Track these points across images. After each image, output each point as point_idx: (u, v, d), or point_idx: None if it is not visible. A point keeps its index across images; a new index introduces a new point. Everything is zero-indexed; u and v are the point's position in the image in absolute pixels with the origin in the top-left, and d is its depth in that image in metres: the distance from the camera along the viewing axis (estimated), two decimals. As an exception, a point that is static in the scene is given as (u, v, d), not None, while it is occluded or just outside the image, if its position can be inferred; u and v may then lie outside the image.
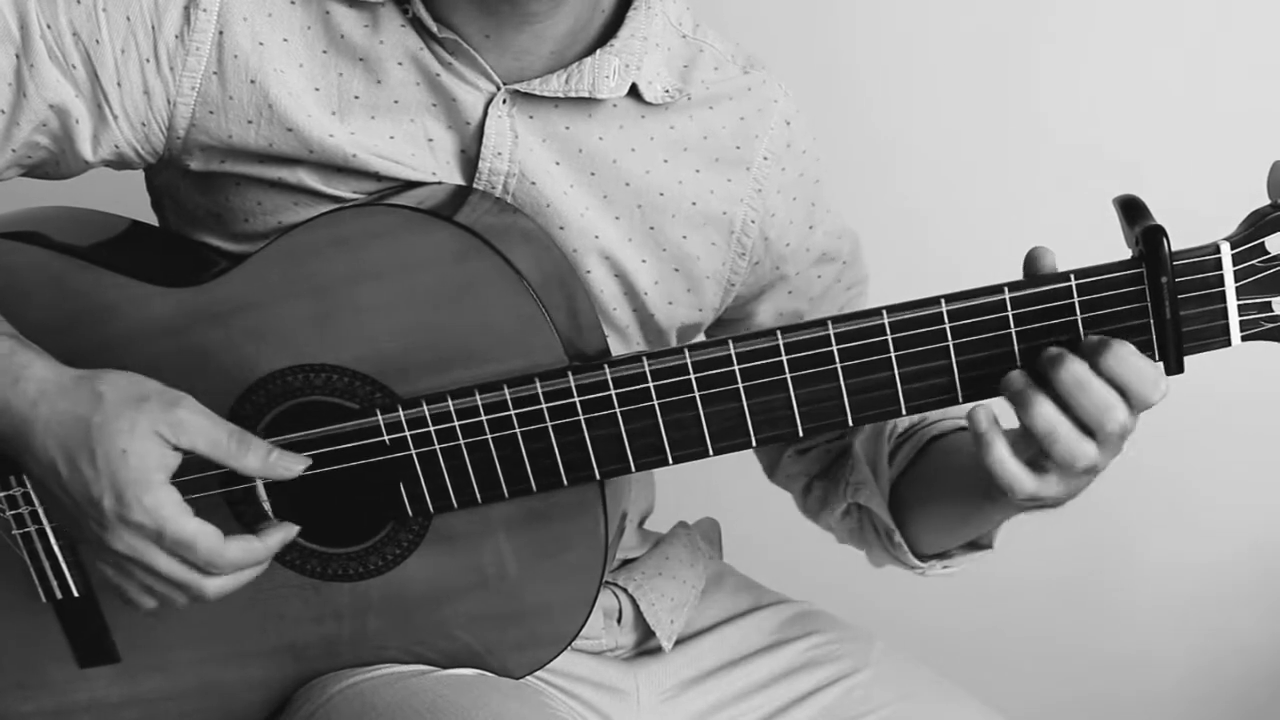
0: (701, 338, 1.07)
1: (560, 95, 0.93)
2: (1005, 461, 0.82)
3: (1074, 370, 0.81)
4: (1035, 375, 0.83)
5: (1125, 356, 0.80)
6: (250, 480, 0.91)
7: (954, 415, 1.03)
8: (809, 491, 1.11)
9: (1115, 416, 0.80)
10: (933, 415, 1.04)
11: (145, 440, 0.84)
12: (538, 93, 0.93)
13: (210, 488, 0.92)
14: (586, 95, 0.93)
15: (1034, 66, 1.53)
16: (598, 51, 0.94)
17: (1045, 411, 0.81)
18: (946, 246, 1.52)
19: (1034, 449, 0.83)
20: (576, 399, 0.88)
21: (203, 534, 0.85)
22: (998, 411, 0.84)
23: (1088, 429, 0.81)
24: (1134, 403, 0.81)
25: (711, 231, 0.99)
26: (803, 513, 1.13)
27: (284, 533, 0.90)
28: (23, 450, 0.86)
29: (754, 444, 0.89)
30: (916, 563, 1.02)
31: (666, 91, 0.96)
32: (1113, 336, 0.82)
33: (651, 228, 0.98)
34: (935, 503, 0.99)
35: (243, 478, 0.91)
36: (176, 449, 0.85)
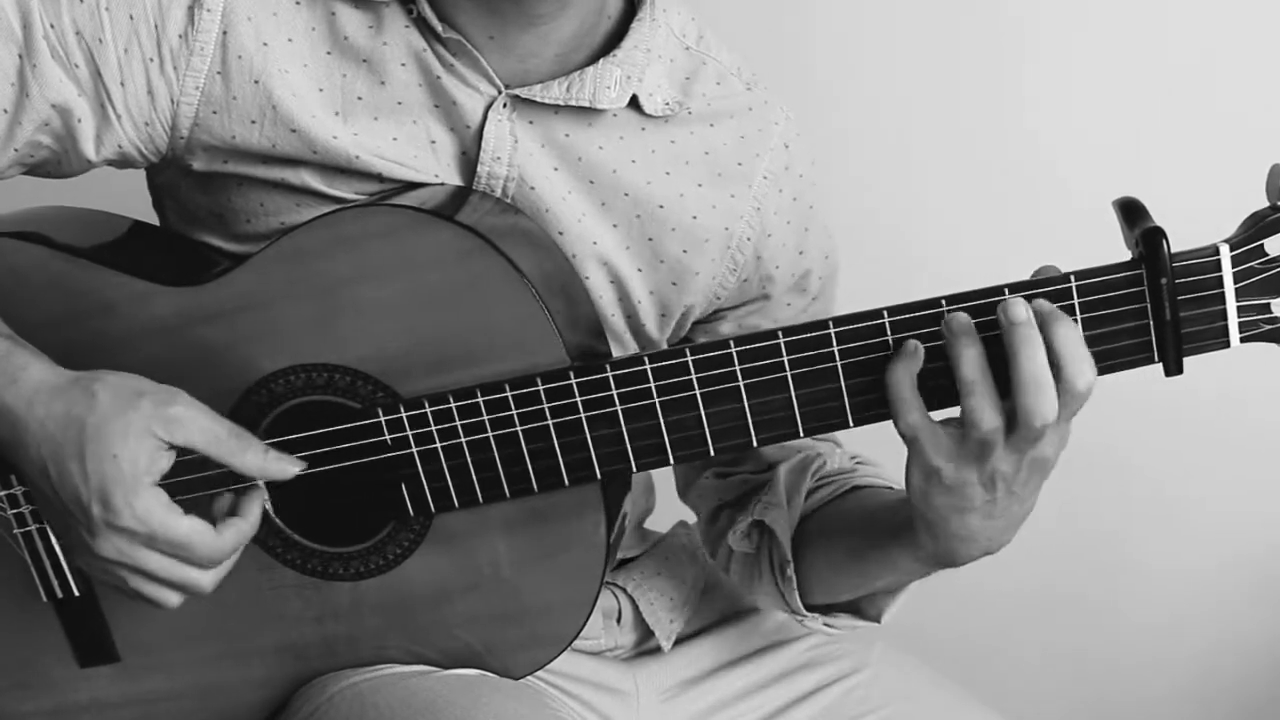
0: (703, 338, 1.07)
1: (560, 103, 0.93)
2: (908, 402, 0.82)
3: (1072, 331, 0.80)
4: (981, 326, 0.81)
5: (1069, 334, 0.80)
6: (249, 481, 0.90)
7: (883, 475, 1.04)
8: (715, 518, 1.09)
9: (1087, 375, 0.79)
10: (863, 469, 1.04)
11: (138, 443, 0.83)
12: (538, 99, 0.93)
13: (209, 483, 0.92)
14: (587, 104, 0.93)
15: (1031, 68, 1.54)
16: (600, 61, 0.94)
17: (974, 360, 0.80)
18: (948, 248, 1.52)
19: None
20: (579, 399, 0.88)
21: (196, 532, 0.85)
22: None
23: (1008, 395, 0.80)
24: (1063, 382, 0.80)
25: (711, 247, 0.99)
26: (702, 541, 1.12)
27: (257, 499, 0.89)
28: (17, 452, 0.86)
29: (755, 444, 0.89)
30: (799, 606, 1.01)
31: (667, 104, 0.96)
32: (1112, 339, 0.82)
33: (650, 239, 0.98)
34: (839, 539, 0.98)
35: (244, 477, 0.91)
36: (171, 447, 0.85)
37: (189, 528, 0.85)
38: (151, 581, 0.87)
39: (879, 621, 1.00)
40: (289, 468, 0.89)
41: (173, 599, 0.88)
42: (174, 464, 0.86)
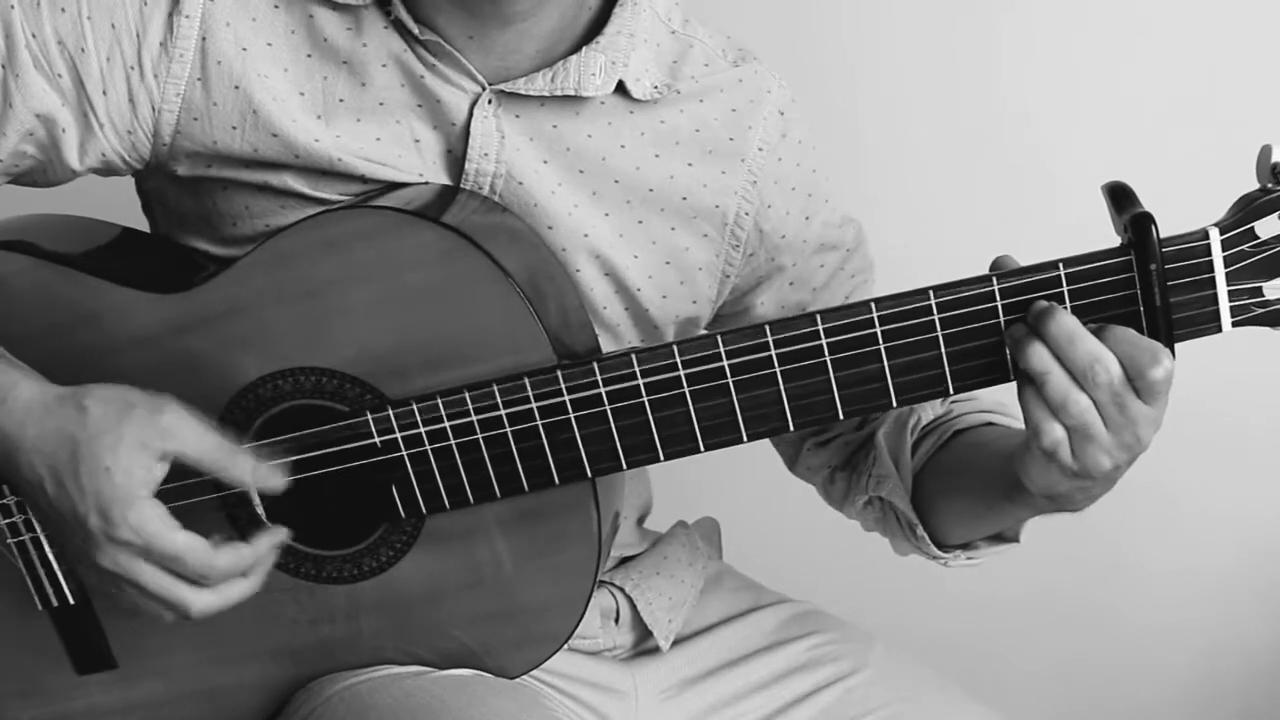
0: (699, 333, 1.07)
1: (545, 94, 0.93)
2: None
3: (1064, 323, 0.80)
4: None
5: (1122, 333, 0.80)
6: (236, 490, 0.90)
7: (981, 409, 1.02)
8: (832, 483, 1.09)
9: (1107, 366, 0.79)
10: (959, 409, 1.03)
11: (130, 456, 0.83)
12: (523, 92, 0.93)
13: (206, 491, 0.92)
14: (572, 93, 0.93)
15: (1020, 60, 1.53)
16: (583, 49, 0.93)
17: (1040, 352, 0.80)
18: (935, 238, 1.51)
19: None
20: (566, 398, 0.88)
21: (190, 546, 0.85)
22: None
23: (1078, 381, 0.80)
24: (1130, 371, 0.80)
25: (702, 224, 0.99)
26: (826, 502, 1.12)
27: (273, 537, 0.90)
28: (11, 470, 0.86)
29: (745, 439, 0.88)
30: (940, 554, 1.01)
31: (655, 88, 0.96)
32: (1103, 324, 0.81)
33: (640, 222, 0.97)
34: (957, 497, 0.98)
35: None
36: (164, 457, 0.85)
37: (183, 541, 0.85)
38: (146, 596, 0.87)
39: (1018, 541, 0.98)
40: (276, 482, 0.89)
41: (166, 615, 0.88)
42: (172, 480, 0.86)
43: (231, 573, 0.88)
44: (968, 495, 0.97)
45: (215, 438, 0.87)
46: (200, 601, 0.87)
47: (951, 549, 1.01)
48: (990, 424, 1.01)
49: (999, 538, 0.99)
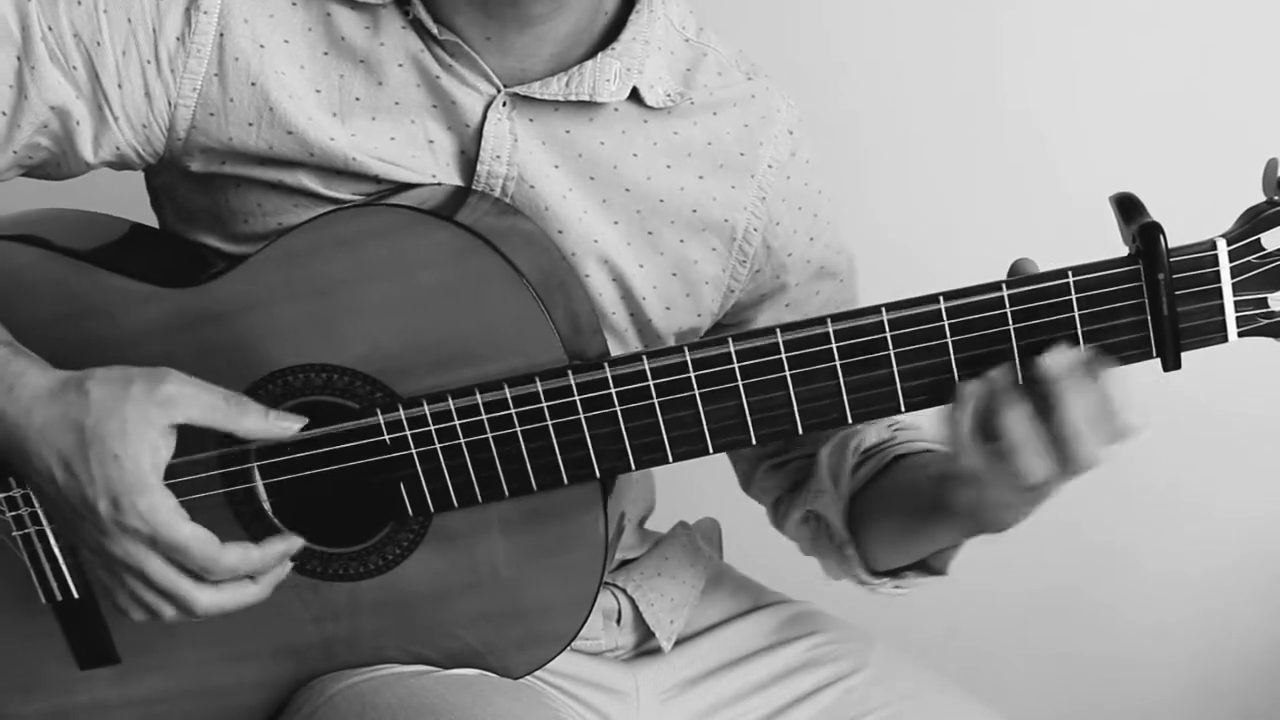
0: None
1: (560, 99, 0.93)
2: (962, 427, 0.83)
3: (1093, 397, 0.80)
4: (1026, 380, 0.82)
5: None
6: (248, 443, 0.90)
7: (922, 438, 1.04)
8: (778, 506, 1.12)
9: (1117, 415, 0.80)
10: (901, 435, 1.05)
11: (138, 440, 0.83)
12: (537, 96, 0.93)
13: (212, 488, 0.92)
14: (587, 99, 0.93)
15: (1027, 67, 1.54)
16: (599, 55, 0.94)
17: (1021, 418, 0.81)
18: (945, 245, 1.52)
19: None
20: (577, 398, 0.88)
21: (196, 538, 0.85)
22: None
23: (1052, 448, 0.81)
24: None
25: (711, 237, 0.99)
26: (773, 525, 1.14)
27: (285, 544, 0.89)
28: (20, 458, 0.86)
29: (754, 442, 0.89)
30: (867, 578, 1.03)
31: (668, 95, 0.97)
32: (1110, 334, 0.82)
33: (650, 232, 0.98)
34: (889, 517, 1.00)
35: (243, 479, 0.91)
36: (171, 427, 0.84)
37: (190, 532, 0.85)
38: (149, 588, 0.87)
39: (944, 573, 1.00)
40: (290, 425, 0.88)
41: (167, 610, 0.88)
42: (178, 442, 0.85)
43: (237, 571, 0.87)
44: (898, 515, 0.99)
45: (219, 394, 0.86)
46: (204, 599, 0.87)
47: (880, 576, 1.02)
48: (929, 450, 1.03)
49: (927, 568, 1.01)
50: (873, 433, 1.05)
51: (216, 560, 0.86)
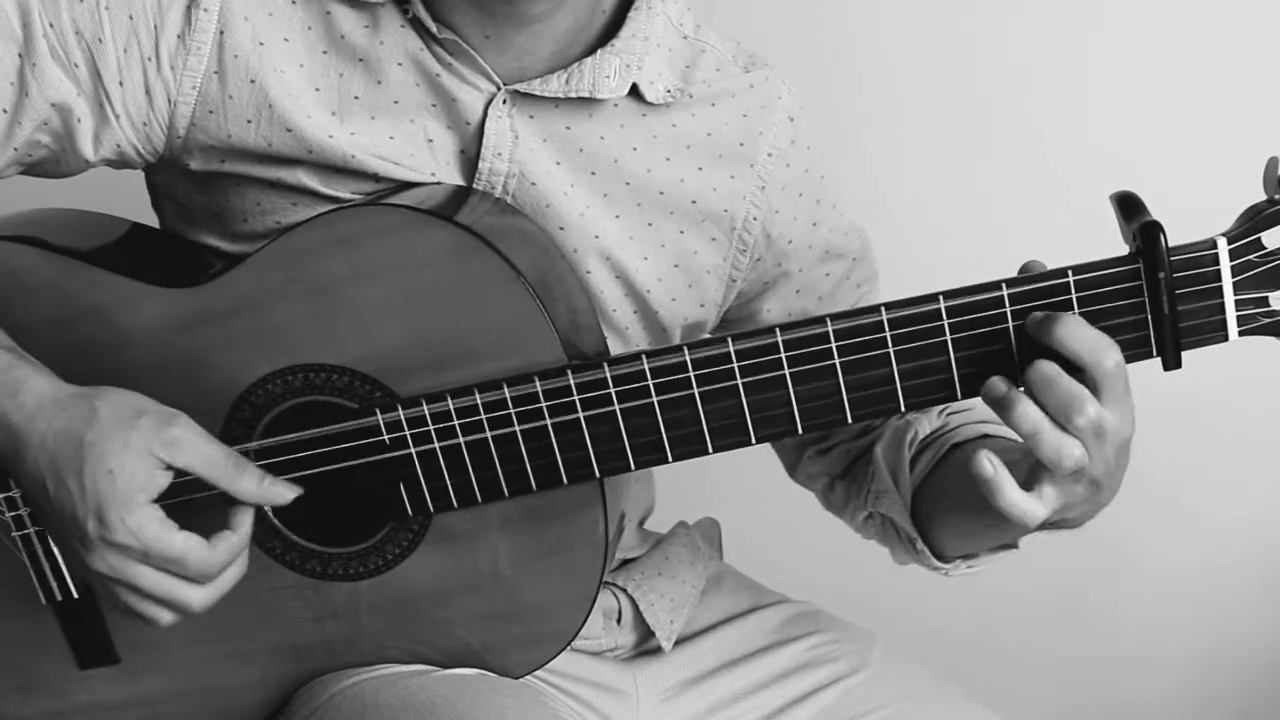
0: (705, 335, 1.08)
1: (560, 95, 0.93)
2: (1017, 503, 0.82)
3: (1041, 369, 0.81)
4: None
5: (1073, 327, 0.80)
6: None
7: (976, 421, 1.03)
8: (831, 490, 1.11)
9: (1083, 409, 0.80)
10: (955, 420, 1.04)
11: (136, 460, 0.83)
12: (538, 93, 0.93)
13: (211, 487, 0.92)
14: (587, 95, 0.93)
15: (1028, 65, 1.54)
16: (598, 51, 0.94)
17: (1027, 410, 0.81)
18: (945, 244, 1.52)
19: (1027, 465, 0.84)
20: (576, 397, 0.88)
21: (189, 547, 0.85)
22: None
23: (1062, 426, 0.81)
24: (1093, 376, 0.81)
25: (711, 227, 0.99)
26: (826, 509, 1.13)
27: (247, 514, 0.89)
28: (16, 464, 0.86)
29: (753, 442, 0.89)
30: (940, 565, 1.02)
31: (668, 91, 0.97)
32: (1110, 334, 0.82)
33: (650, 224, 0.98)
34: (956, 512, 0.99)
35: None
36: (170, 468, 0.85)
37: (183, 543, 0.85)
38: (144, 599, 0.87)
39: (1017, 547, 0.99)
40: (285, 494, 0.89)
41: (164, 616, 0.88)
42: (170, 486, 0.86)
43: (228, 564, 0.88)
44: (966, 511, 0.97)
45: (222, 450, 0.87)
46: (199, 597, 0.87)
47: (952, 559, 1.02)
48: (986, 435, 1.01)
49: (1000, 545, 1.00)
50: (926, 422, 1.03)
51: (210, 563, 0.86)
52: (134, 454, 0.83)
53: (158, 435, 0.84)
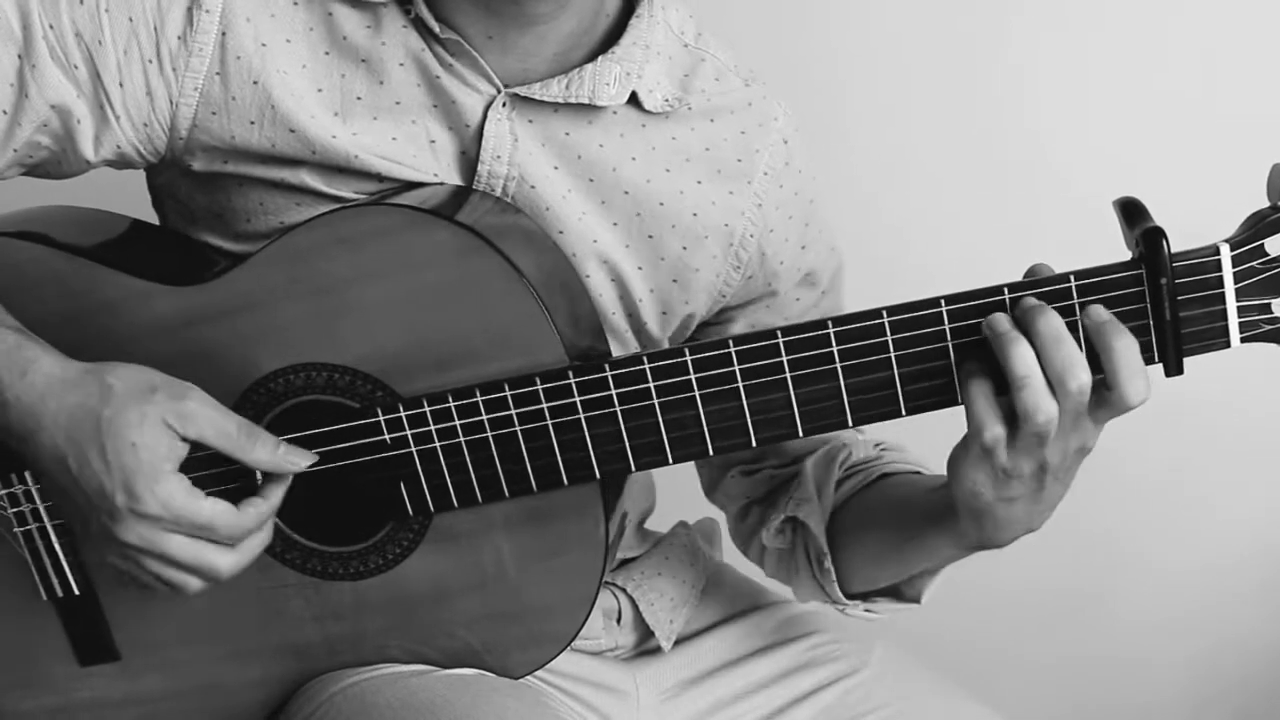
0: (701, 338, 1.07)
1: (560, 100, 0.93)
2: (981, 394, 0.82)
3: (1054, 323, 0.81)
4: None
5: (1131, 346, 0.80)
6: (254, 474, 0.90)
7: (908, 459, 1.04)
8: (745, 515, 1.10)
9: (1078, 376, 0.80)
10: (888, 456, 1.05)
11: (154, 432, 0.84)
12: (537, 97, 0.93)
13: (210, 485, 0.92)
14: (586, 101, 0.93)
15: (1030, 69, 1.53)
16: (599, 58, 0.94)
17: (1025, 354, 0.80)
18: (947, 248, 1.52)
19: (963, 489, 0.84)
20: (577, 398, 0.88)
21: (218, 512, 0.86)
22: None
23: (1052, 387, 0.81)
24: (1110, 381, 0.80)
25: (711, 243, 0.99)
26: (732, 537, 1.13)
27: (281, 486, 0.90)
28: (30, 444, 0.86)
29: (754, 444, 0.89)
30: (840, 597, 1.02)
31: (666, 100, 0.97)
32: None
33: (650, 236, 0.98)
34: (874, 531, 0.99)
35: (244, 476, 0.91)
36: (185, 439, 0.86)
37: (211, 509, 0.86)
38: (172, 566, 0.87)
39: (919, 602, 1.00)
40: (300, 461, 0.89)
41: (193, 583, 0.89)
42: (188, 457, 0.86)
43: (255, 529, 0.89)
44: (884, 528, 0.98)
45: (235, 421, 0.87)
46: (227, 562, 0.88)
47: (852, 598, 1.02)
48: (918, 473, 1.02)
49: (899, 595, 1.01)
50: (860, 449, 1.05)
51: (239, 527, 0.87)
52: (151, 426, 0.84)
53: (171, 408, 0.85)
